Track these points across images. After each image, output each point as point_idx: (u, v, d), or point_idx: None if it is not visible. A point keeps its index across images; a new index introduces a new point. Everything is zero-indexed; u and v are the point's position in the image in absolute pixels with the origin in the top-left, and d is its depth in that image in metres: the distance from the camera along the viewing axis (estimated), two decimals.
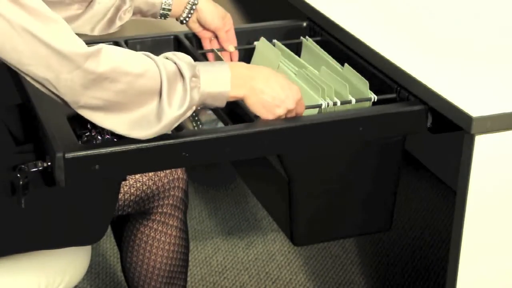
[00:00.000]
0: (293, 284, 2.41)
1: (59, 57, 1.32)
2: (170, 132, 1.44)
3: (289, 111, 1.51)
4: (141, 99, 1.39)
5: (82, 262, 1.70)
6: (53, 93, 1.37)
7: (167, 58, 1.44)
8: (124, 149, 1.43)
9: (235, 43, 1.91)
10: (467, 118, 1.48)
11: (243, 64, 1.52)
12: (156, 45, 1.92)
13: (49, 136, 1.44)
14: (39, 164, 1.43)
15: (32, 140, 1.57)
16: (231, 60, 1.91)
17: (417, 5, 2.02)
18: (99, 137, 1.60)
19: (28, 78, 1.37)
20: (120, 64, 1.37)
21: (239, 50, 1.93)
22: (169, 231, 1.79)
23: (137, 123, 1.40)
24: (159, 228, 1.79)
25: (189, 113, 1.43)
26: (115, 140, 1.56)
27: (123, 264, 1.85)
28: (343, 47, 1.88)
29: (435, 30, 1.87)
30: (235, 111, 1.62)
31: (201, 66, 1.44)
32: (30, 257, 1.62)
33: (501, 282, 1.65)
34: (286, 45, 1.92)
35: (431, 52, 1.76)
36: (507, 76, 1.66)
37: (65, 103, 1.38)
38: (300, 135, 1.53)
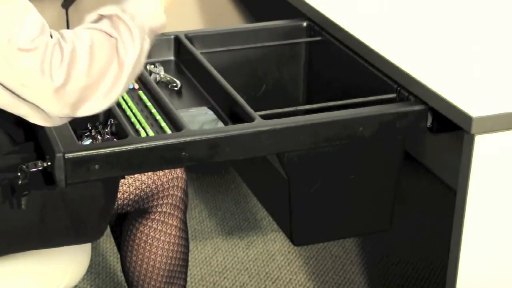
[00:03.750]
0: (293, 284, 2.41)
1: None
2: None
3: None
4: (107, 60, 1.35)
5: (83, 262, 1.70)
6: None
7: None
8: (123, 149, 1.43)
9: None
10: (467, 118, 1.48)
11: None
12: (156, 45, 1.92)
13: (49, 136, 1.44)
14: (39, 164, 1.43)
15: (32, 140, 1.56)
16: None
17: (417, 5, 2.02)
18: (99, 137, 1.60)
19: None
20: (70, 43, 1.33)
21: (239, 50, 1.93)
22: (168, 231, 1.79)
23: (114, 85, 1.36)
24: (159, 227, 1.79)
25: (146, 45, 1.39)
26: (115, 140, 1.56)
27: (123, 264, 1.85)
28: (343, 47, 1.88)
29: (435, 30, 1.87)
30: (235, 111, 1.62)
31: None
32: (31, 257, 1.62)
33: (501, 282, 1.65)
34: (286, 45, 1.92)
35: (431, 52, 1.76)
36: (507, 76, 1.66)
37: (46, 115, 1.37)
38: (300, 135, 1.53)
